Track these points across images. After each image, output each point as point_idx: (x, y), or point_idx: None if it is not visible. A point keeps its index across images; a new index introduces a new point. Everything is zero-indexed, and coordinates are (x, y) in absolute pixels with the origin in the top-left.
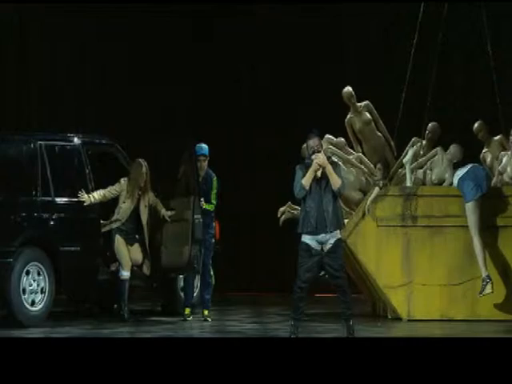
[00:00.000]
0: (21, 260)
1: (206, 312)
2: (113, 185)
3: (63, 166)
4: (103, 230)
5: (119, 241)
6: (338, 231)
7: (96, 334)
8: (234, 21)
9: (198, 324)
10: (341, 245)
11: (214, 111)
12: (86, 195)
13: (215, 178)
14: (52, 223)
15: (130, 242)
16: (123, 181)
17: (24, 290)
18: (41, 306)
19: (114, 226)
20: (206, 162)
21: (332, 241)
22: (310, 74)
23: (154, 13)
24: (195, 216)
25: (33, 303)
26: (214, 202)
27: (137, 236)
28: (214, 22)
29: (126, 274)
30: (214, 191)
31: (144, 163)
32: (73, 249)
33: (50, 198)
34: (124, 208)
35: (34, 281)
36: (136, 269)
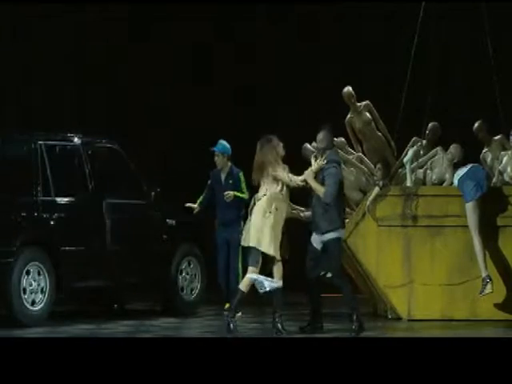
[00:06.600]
0: (21, 260)
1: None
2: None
3: (63, 166)
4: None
5: None
6: (333, 232)
7: (96, 334)
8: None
9: (198, 324)
10: (335, 245)
11: (214, 111)
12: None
13: (241, 173)
14: (52, 223)
15: None
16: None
17: (24, 290)
18: (41, 306)
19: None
20: (221, 157)
21: (324, 241)
22: (309, 75)
23: (159, 12)
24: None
25: (33, 303)
26: (245, 192)
27: None
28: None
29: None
30: (243, 184)
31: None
32: (73, 249)
33: (50, 198)
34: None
35: (35, 281)
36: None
